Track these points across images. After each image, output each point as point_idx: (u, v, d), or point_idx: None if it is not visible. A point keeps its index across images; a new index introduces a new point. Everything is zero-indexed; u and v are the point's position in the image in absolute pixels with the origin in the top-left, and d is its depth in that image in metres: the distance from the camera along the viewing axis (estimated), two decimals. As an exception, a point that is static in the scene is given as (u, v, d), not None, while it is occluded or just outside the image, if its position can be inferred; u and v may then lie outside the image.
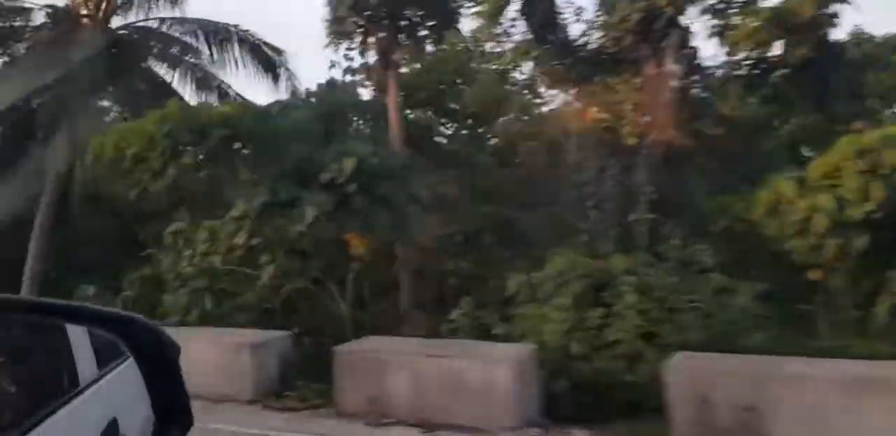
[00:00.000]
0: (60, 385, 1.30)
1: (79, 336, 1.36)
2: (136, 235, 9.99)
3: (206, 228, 8.23)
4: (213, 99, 11.80)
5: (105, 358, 1.46)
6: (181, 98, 11.39)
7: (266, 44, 11.88)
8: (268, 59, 11.79)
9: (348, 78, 12.53)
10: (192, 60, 11.95)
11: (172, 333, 1.20)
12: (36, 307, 1.17)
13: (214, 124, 8.39)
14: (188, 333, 7.01)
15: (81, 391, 1.33)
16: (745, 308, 6.34)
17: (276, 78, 11.83)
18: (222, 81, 12.06)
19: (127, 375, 1.49)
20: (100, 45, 10.80)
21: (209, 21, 12.06)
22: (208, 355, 6.51)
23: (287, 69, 11.88)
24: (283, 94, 11.86)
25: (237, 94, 12.00)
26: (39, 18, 11.76)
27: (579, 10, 9.91)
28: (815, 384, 4.41)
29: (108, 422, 1.37)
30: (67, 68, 10.09)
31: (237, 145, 8.59)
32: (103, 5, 11.53)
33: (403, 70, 11.35)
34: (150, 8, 11.87)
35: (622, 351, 6.06)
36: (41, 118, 10.58)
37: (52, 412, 1.18)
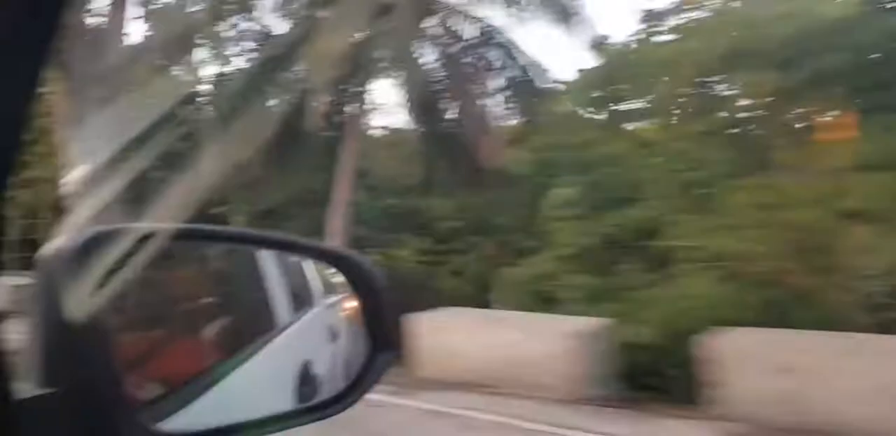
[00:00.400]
0: (262, 326, 1.44)
1: (276, 282, 1.50)
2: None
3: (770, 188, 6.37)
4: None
5: (296, 306, 1.60)
6: (482, 57, 10.80)
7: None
8: (562, 7, 10.49)
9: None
10: (476, 14, 11.11)
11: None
12: (256, 239, 1.34)
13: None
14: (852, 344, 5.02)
15: (279, 333, 1.47)
16: None
17: (569, 28, 10.57)
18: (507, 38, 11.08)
19: (317, 321, 1.62)
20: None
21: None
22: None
23: (583, 17, 10.44)
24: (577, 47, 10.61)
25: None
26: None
27: None
28: None
29: (303, 363, 1.48)
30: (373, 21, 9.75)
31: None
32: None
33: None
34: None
35: None
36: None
37: (257, 351, 1.34)
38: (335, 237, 10.50)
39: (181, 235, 1.04)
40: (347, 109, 11.08)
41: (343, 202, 10.64)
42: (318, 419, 1.05)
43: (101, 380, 0.76)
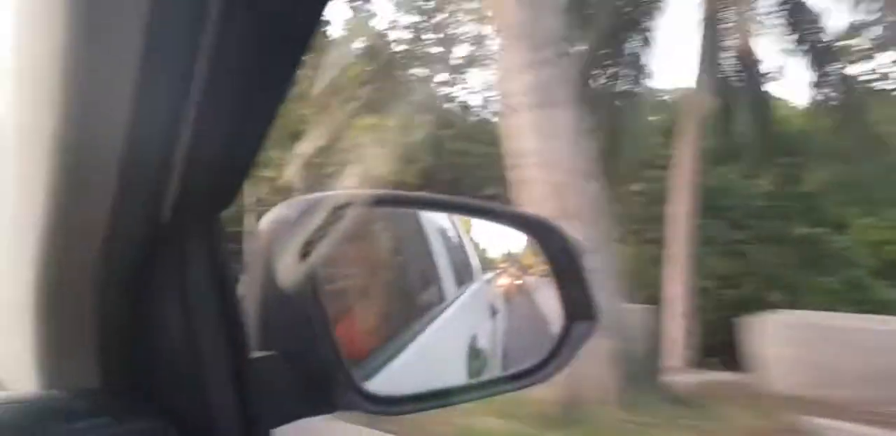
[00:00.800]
0: (433, 299, 1.46)
1: (442, 255, 1.51)
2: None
3: None
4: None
5: (459, 280, 1.60)
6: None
7: None
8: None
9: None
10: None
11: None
12: (443, 203, 1.34)
13: None
14: None
15: (447, 307, 1.48)
16: None
17: None
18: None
19: (478, 296, 1.61)
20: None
21: None
22: None
23: None
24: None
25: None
26: None
27: None
28: None
29: (471, 337, 1.48)
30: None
31: None
32: None
33: None
34: None
35: None
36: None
37: (430, 323, 1.36)
38: (681, 227, 8.75)
39: (373, 202, 1.06)
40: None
41: (689, 186, 8.85)
42: (520, 388, 1.04)
43: (320, 343, 0.78)
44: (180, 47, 0.47)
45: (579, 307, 1.15)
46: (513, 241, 1.79)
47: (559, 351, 1.08)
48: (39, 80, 0.49)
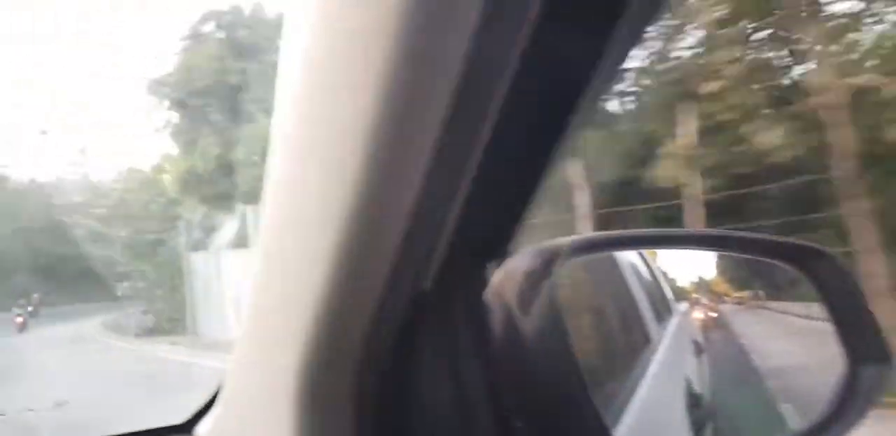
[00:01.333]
0: (640, 341, 1.34)
1: (640, 293, 1.38)
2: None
3: None
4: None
5: (658, 316, 1.45)
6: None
7: None
8: None
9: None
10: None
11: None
12: (675, 238, 1.21)
13: None
14: None
15: (656, 348, 1.34)
16: None
17: None
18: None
19: (680, 333, 1.45)
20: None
21: None
22: None
23: None
24: None
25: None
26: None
27: None
28: None
29: (686, 381, 1.34)
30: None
31: None
32: None
33: None
34: None
35: None
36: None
37: (646, 370, 1.23)
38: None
39: (578, 250, 0.97)
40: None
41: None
42: None
43: (581, 413, 0.69)
44: (471, 114, 0.43)
45: (866, 347, 0.97)
46: (700, 266, 1.60)
47: (849, 402, 0.91)
48: (334, 154, 0.46)
